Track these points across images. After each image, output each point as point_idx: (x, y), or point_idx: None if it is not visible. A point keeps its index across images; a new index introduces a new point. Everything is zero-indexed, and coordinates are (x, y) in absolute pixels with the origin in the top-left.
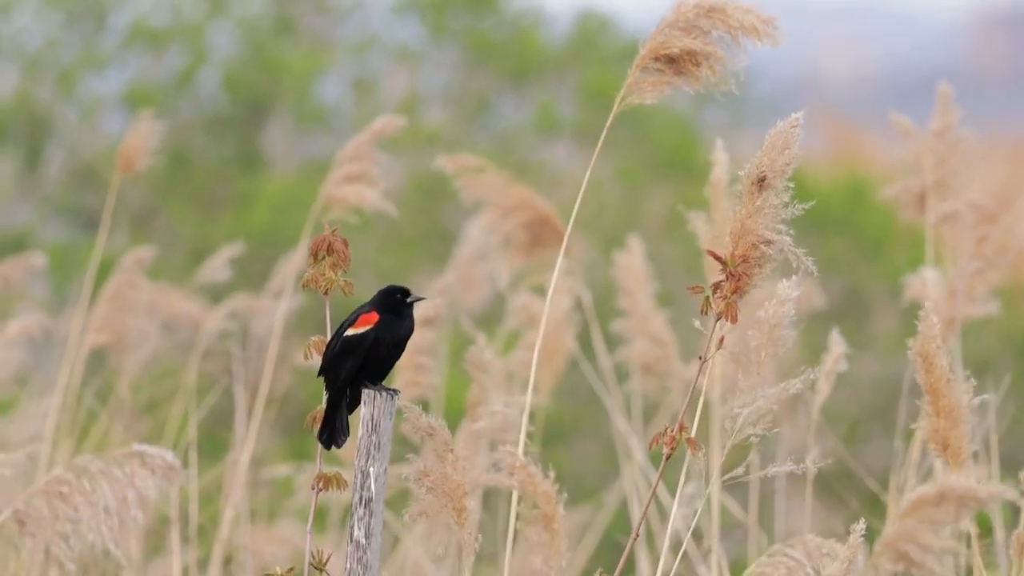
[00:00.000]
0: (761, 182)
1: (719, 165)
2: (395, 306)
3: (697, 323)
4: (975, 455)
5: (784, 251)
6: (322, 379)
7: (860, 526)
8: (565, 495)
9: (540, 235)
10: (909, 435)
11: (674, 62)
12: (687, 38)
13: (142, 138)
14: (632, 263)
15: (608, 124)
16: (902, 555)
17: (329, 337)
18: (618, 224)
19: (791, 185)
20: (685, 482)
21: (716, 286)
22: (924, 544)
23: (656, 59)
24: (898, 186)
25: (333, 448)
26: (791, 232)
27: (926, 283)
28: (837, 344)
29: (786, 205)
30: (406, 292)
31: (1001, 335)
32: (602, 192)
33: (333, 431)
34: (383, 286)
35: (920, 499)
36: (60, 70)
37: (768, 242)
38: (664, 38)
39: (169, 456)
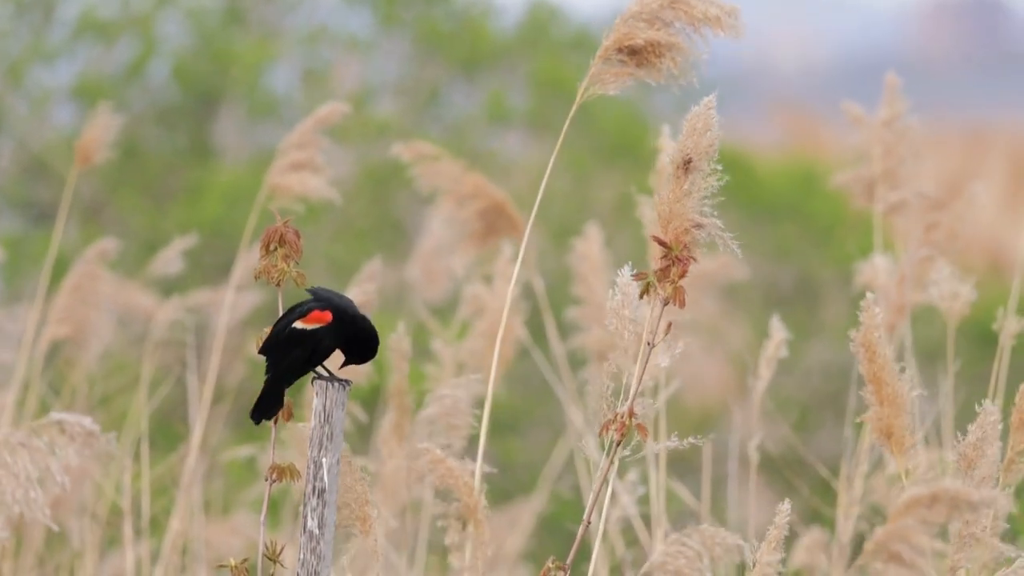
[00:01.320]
0: (687, 165)
1: (666, 152)
2: (349, 327)
3: (623, 313)
4: (926, 440)
5: (713, 235)
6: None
7: (785, 506)
8: (484, 487)
9: (495, 224)
10: (859, 423)
11: (637, 53)
12: (651, 29)
13: (100, 131)
14: (589, 250)
15: (571, 115)
16: (894, 555)
17: (279, 318)
18: (567, 212)
19: (718, 167)
20: (618, 468)
21: (663, 271)
22: (916, 545)
23: (619, 50)
24: (849, 175)
25: (281, 436)
26: (716, 214)
27: (876, 270)
28: (778, 330)
29: (713, 187)
30: (370, 337)
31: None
32: (551, 180)
33: (264, 407)
34: (338, 292)
35: (913, 500)
36: (9, 62)
37: (698, 225)
38: (628, 29)
39: (87, 422)
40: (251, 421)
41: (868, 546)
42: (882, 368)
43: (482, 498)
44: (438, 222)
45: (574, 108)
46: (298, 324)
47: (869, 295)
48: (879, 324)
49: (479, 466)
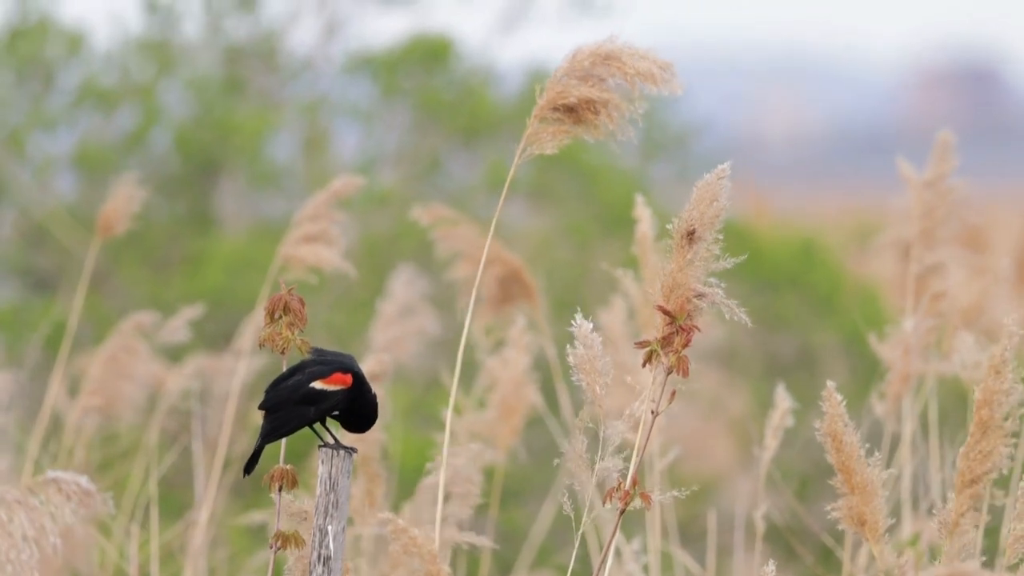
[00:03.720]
0: (690, 235)
1: (643, 222)
2: (361, 394)
3: (629, 379)
4: (929, 511)
5: (717, 303)
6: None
7: (770, 568)
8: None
9: (510, 290)
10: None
11: (573, 111)
12: (584, 86)
13: (123, 202)
14: (613, 320)
15: (510, 177)
16: None
17: (282, 376)
18: (569, 281)
19: (720, 237)
20: (624, 535)
21: (666, 340)
22: None
23: (555, 109)
24: (890, 234)
25: (290, 505)
26: (722, 284)
27: (904, 334)
28: (783, 399)
29: (717, 258)
30: (372, 411)
31: (954, 391)
32: (553, 249)
33: (256, 461)
34: (342, 351)
35: None
36: (9, 130)
37: (700, 295)
38: (561, 88)
39: (84, 481)
40: (249, 482)
41: None
42: (850, 456)
43: (445, 566)
44: (400, 284)
45: (512, 169)
46: (318, 384)
47: (829, 383)
48: (843, 412)
49: (438, 532)
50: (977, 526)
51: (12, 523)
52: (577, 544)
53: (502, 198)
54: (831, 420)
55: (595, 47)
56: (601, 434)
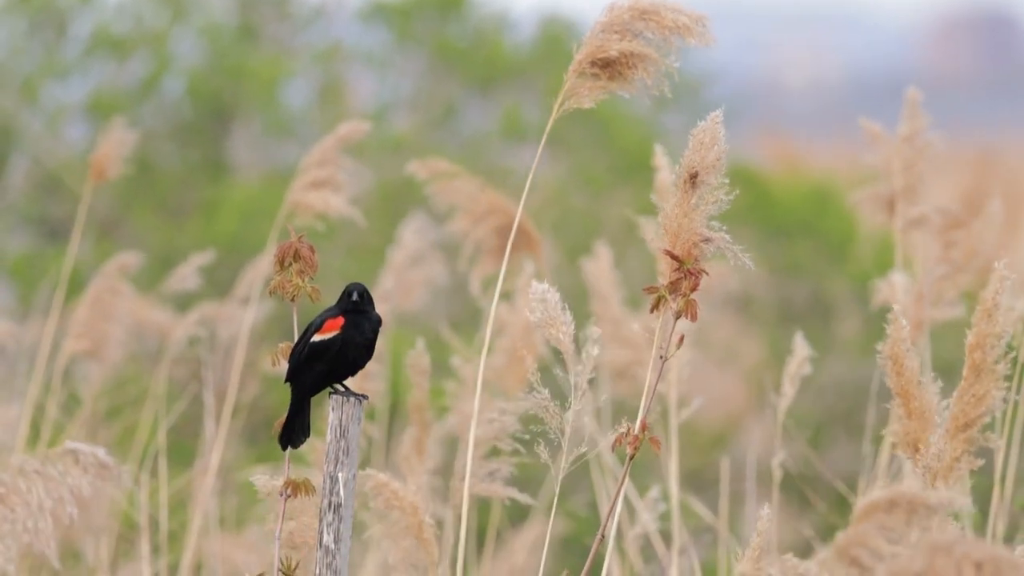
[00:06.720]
0: (693, 179)
1: (662, 170)
2: (355, 306)
3: (636, 327)
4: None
5: (722, 248)
6: (288, 385)
7: (764, 511)
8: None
9: (513, 240)
10: (877, 439)
11: (610, 66)
12: (623, 41)
13: (114, 146)
14: (600, 268)
15: (547, 130)
16: (854, 560)
17: (296, 341)
18: (583, 229)
19: (726, 181)
20: (638, 485)
21: (674, 284)
22: (875, 549)
23: (592, 63)
24: (867, 191)
25: (298, 449)
26: (725, 229)
27: (895, 287)
28: (801, 347)
29: (721, 201)
30: (350, 292)
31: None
32: (567, 197)
33: (292, 432)
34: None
35: (871, 505)
36: (23, 79)
37: (707, 239)
38: (600, 42)
39: (102, 453)
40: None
41: (830, 551)
42: (910, 382)
43: (427, 517)
44: (409, 233)
45: (549, 124)
46: (316, 338)
47: (896, 307)
48: (906, 337)
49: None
50: (974, 470)
51: (31, 493)
52: (559, 494)
53: (539, 152)
54: (893, 343)
55: (632, 1)
56: (572, 381)
